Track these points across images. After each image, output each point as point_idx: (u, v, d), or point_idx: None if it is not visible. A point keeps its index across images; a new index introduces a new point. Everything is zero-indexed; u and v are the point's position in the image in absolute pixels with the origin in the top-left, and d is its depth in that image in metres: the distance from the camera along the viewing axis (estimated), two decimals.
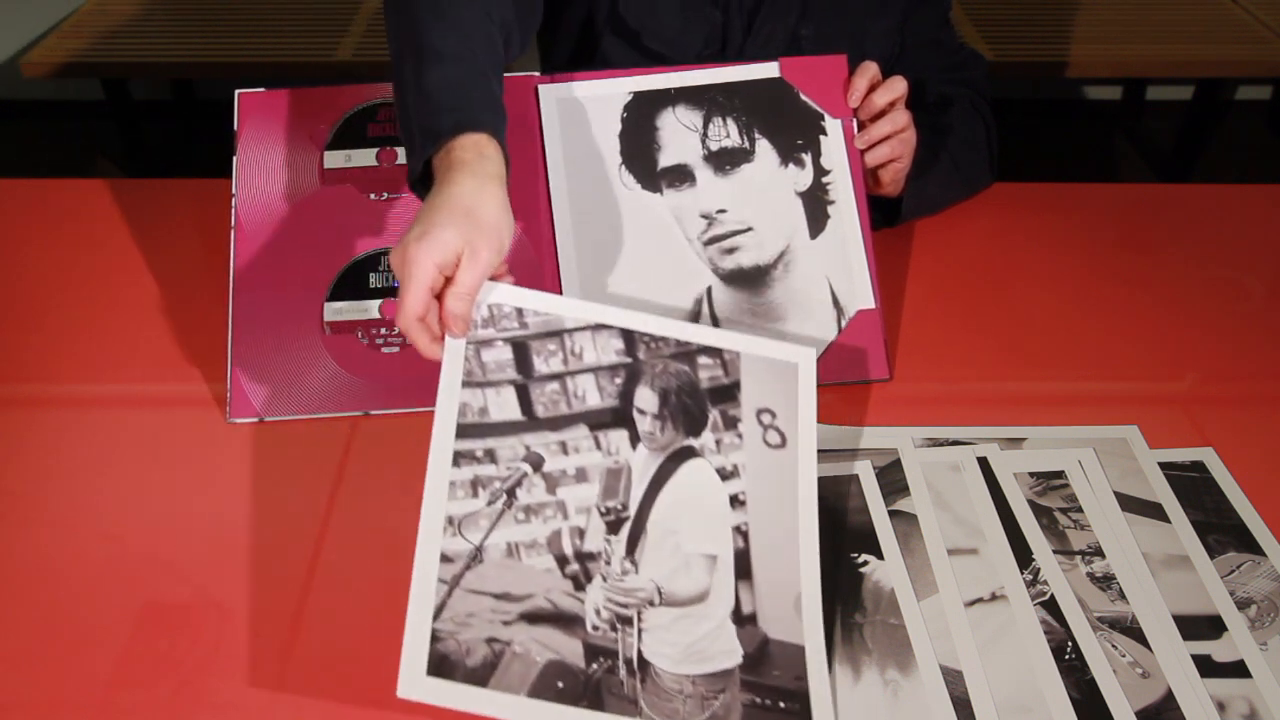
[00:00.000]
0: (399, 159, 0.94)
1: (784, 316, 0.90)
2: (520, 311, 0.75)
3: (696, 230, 0.91)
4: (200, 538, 0.76)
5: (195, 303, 0.97)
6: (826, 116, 0.94)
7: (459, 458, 0.69)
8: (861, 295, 0.91)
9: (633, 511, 0.70)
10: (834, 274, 0.91)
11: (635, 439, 0.73)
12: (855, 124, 0.95)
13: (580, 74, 0.94)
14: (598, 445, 0.72)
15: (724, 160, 0.92)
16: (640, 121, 0.93)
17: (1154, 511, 0.80)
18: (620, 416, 0.73)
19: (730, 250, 0.90)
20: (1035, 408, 0.89)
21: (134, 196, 1.12)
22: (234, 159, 0.93)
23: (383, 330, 0.89)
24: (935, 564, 0.75)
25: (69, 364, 0.92)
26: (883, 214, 1.06)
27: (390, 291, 0.90)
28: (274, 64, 2.22)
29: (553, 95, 0.93)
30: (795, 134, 0.94)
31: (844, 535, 0.76)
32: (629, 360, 0.75)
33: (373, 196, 0.93)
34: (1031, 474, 0.82)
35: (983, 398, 0.91)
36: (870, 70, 0.95)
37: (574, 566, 0.67)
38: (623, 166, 0.92)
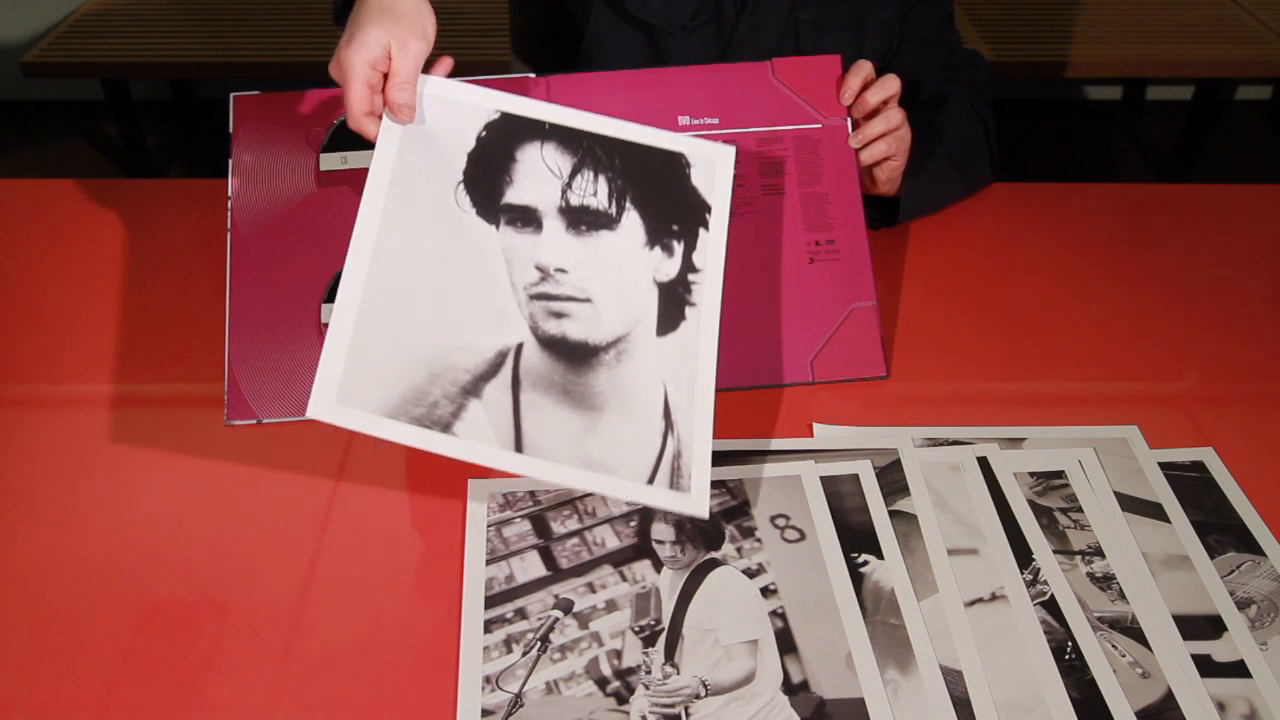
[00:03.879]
0: None
1: (601, 407, 0.76)
2: (533, 493, 0.77)
3: (526, 279, 0.79)
4: (200, 539, 0.76)
5: (194, 303, 0.97)
6: (712, 210, 0.84)
7: (490, 624, 0.71)
8: (701, 417, 0.77)
9: (666, 623, 0.71)
10: (673, 382, 0.78)
11: (658, 565, 0.75)
12: (850, 123, 0.96)
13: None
14: (623, 578, 0.74)
15: (582, 219, 0.81)
16: (498, 146, 0.82)
17: (1154, 511, 0.80)
18: (641, 550, 0.76)
19: (559, 315, 0.78)
20: (1035, 408, 0.89)
21: (134, 196, 1.12)
22: (229, 162, 0.93)
23: None
24: (935, 564, 0.75)
25: (68, 364, 0.92)
26: (882, 214, 1.06)
27: None
28: (273, 64, 2.22)
29: (420, 88, 0.83)
30: (673, 218, 0.83)
31: (844, 535, 0.76)
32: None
33: None
34: (1031, 474, 0.82)
35: (983, 398, 0.91)
36: (865, 69, 0.95)
37: (615, 684, 0.68)
38: (461, 185, 0.80)
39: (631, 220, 0.82)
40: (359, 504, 0.79)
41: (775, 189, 0.94)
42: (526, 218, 0.80)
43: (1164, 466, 0.83)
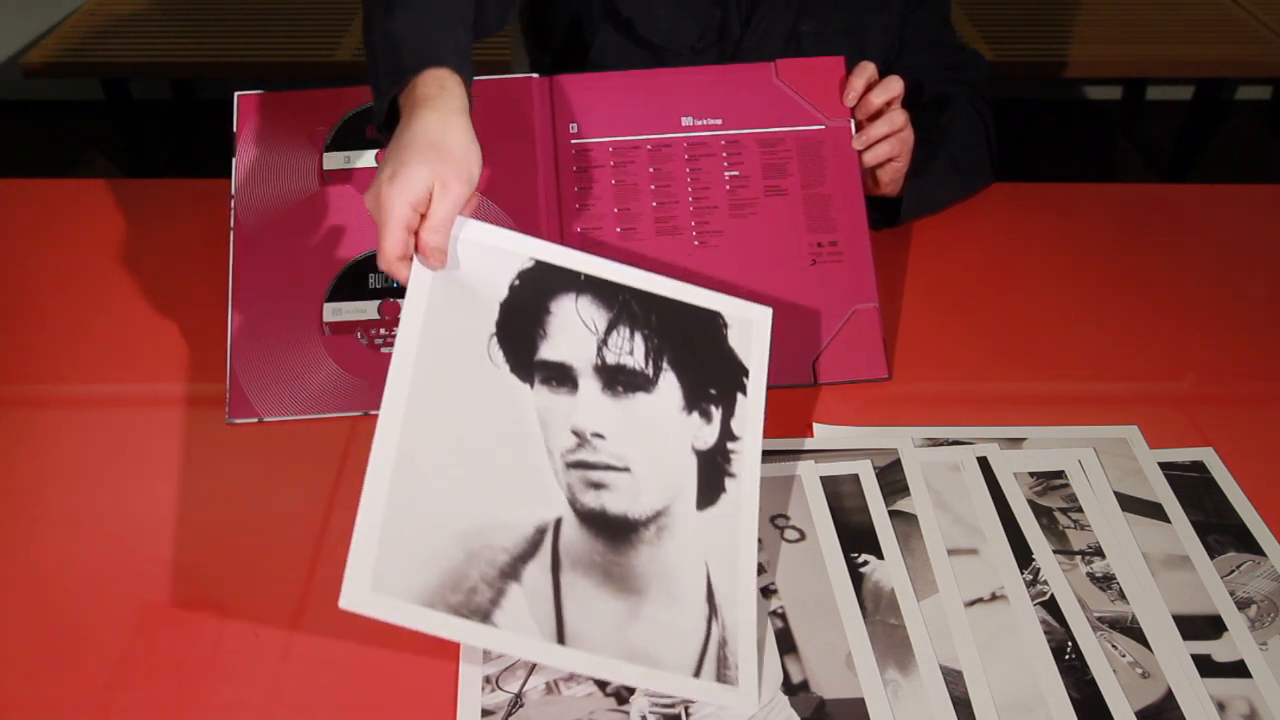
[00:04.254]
0: None
1: (643, 590, 0.70)
2: None
3: (563, 446, 0.73)
4: (200, 538, 0.76)
5: (195, 303, 0.97)
6: (749, 374, 0.80)
7: None
8: (745, 600, 0.71)
9: None
10: (715, 562, 0.72)
11: None
12: (853, 125, 0.96)
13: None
14: None
15: (618, 379, 0.76)
16: (531, 296, 0.77)
17: (1154, 511, 0.80)
18: None
19: (597, 485, 0.73)
20: (1035, 408, 0.89)
21: (134, 196, 1.12)
22: (233, 161, 0.93)
23: (382, 330, 0.89)
24: (935, 564, 0.75)
25: (69, 364, 0.92)
26: (883, 214, 1.06)
27: (390, 292, 0.90)
28: (274, 64, 2.22)
29: (454, 231, 0.78)
30: (711, 381, 0.79)
31: (844, 535, 0.76)
32: None
33: None
34: (1031, 474, 0.82)
35: (983, 398, 0.91)
36: (868, 70, 0.95)
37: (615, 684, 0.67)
38: (494, 338, 0.75)
39: (669, 382, 0.77)
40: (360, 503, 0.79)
41: (778, 190, 0.95)
42: (562, 376, 0.75)
43: (1164, 466, 0.83)
